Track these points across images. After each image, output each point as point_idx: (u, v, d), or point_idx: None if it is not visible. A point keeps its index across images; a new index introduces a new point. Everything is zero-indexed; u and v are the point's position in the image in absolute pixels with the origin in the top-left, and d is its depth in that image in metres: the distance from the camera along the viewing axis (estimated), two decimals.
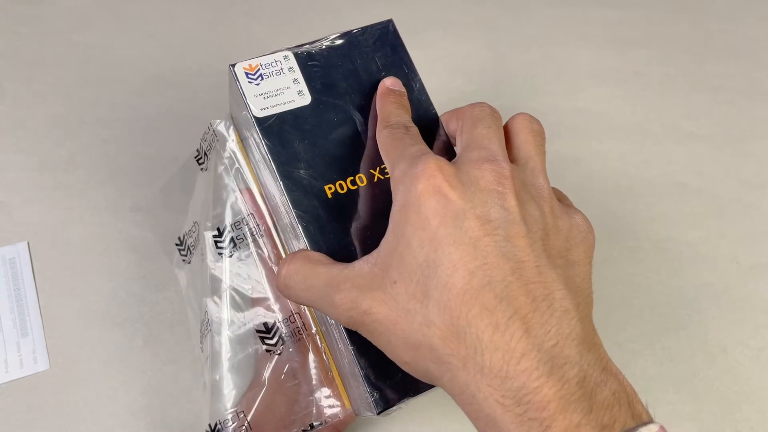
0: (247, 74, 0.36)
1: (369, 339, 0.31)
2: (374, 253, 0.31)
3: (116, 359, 0.44)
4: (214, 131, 0.40)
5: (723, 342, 0.48)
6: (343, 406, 0.37)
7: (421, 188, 0.29)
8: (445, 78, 0.60)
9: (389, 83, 0.36)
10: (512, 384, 0.26)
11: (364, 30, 0.38)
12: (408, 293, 0.29)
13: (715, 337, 0.48)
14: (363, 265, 0.31)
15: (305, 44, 0.37)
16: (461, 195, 0.29)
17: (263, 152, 0.35)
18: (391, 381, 0.33)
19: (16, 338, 0.44)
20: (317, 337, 0.38)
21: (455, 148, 0.36)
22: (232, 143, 0.39)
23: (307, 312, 0.38)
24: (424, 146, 0.32)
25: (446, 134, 0.37)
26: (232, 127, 0.39)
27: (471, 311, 0.27)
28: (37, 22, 0.60)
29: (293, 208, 0.34)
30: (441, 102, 0.38)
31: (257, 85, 0.36)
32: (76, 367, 0.43)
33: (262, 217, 0.39)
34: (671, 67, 0.64)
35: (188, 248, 0.43)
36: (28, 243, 0.48)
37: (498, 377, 0.26)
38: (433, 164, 0.29)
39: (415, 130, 0.34)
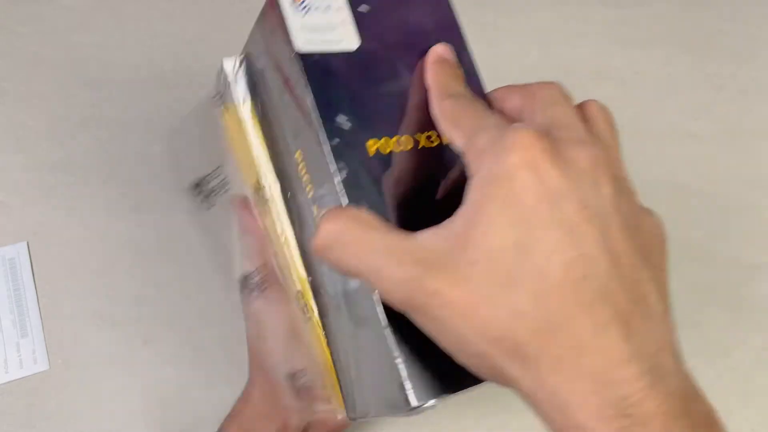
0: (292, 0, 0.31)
1: (422, 325, 0.26)
2: (446, 226, 0.26)
3: (116, 359, 0.44)
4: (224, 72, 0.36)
5: (723, 342, 0.48)
6: (338, 409, 0.36)
7: (515, 160, 0.25)
8: None
9: (442, 50, 0.33)
10: (615, 393, 0.23)
11: None
12: (491, 277, 0.24)
13: (715, 337, 0.48)
14: (432, 237, 0.26)
15: None
16: (561, 173, 0.25)
17: (301, 93, 0.30)
18: (431, 373, 0.28)
19: (16, 338, 0.44)
20: (318, 330, 0.37)
21: None
22: (241, 85, 0.36)
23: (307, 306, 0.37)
24: (502, 117, 0.29)
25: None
26: (242, 68, 0.35)
27: (569, 306, 0.24)
28: (37, 21, 0.60)
29: (334, 160, 0.29)
30: None
31: (303, 16, 0.31)
32: (76, 367, 0.43)
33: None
34: (672, 67, 0.64)
35: (210, 192, 0.40)
36: (27, 243, 0.48)
37: (599, 383, 0.23)
38: (530, 135, 0.25)
39: (482, 101, 0.30)
